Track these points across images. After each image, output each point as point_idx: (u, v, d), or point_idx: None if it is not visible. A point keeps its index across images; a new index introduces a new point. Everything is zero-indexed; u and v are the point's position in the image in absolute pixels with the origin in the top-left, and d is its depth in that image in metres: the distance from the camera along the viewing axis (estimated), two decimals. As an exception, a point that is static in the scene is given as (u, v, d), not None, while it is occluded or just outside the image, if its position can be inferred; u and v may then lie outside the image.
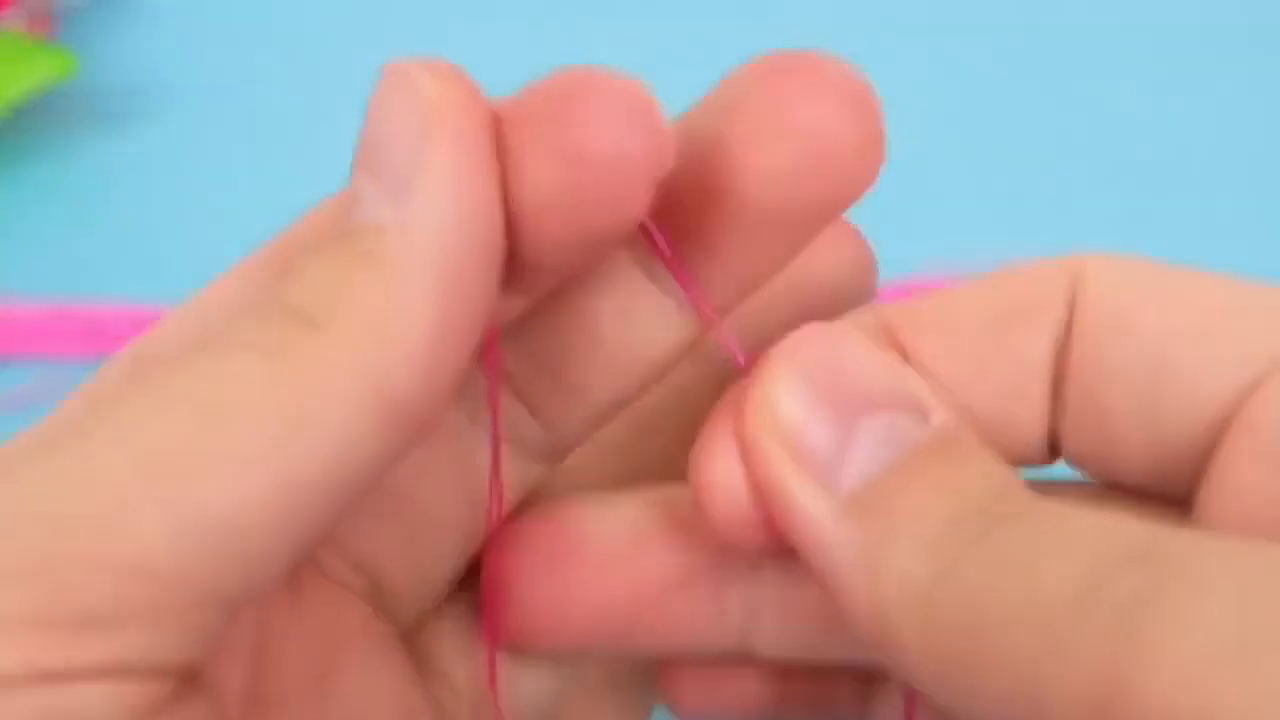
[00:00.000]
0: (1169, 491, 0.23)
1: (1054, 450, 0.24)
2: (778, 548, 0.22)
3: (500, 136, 0.21)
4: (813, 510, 0.21)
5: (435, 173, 0.21)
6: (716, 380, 0.24)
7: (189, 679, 0.20)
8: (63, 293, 0.46)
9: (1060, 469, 0.25)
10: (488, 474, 0.24)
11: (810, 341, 0.22)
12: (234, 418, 0.19)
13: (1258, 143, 0.50)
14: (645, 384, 0.24)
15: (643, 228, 0.23)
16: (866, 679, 0.26)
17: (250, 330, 0.20)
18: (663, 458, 0.26)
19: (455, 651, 0.26)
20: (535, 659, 0.26)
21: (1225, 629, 0.17)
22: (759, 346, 0.23)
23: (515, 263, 0.21)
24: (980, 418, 0.24)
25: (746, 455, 0.22)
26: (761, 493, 0.22)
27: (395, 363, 0.20)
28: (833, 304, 0.26)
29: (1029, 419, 0.24)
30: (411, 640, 0.26)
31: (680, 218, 0.23)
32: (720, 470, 0.22)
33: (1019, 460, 0.24)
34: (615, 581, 0.24)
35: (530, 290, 0.23)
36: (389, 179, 0.21)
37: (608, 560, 0.24)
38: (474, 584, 0.26)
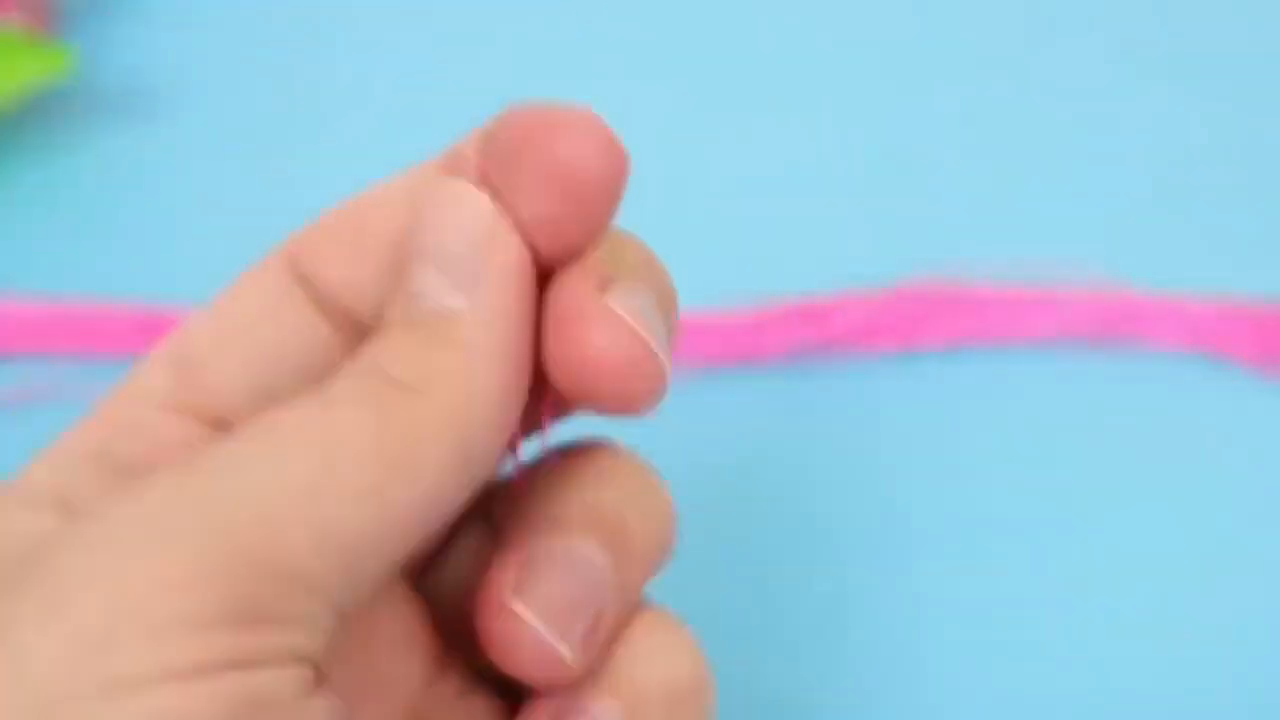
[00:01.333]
0: None
1: None
2: None
3: (489, 176, 0.27)
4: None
5: (496, 271, 0.26)
6: None
7: (321, 672, 0.24)
8: (62, 291, 0.46)
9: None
10: None
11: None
12: (349, 460, 0.24)
13: (1258, 144, 0.50)
14: None
15: None
16: None
17: (358, 391, 0.25)
18: None
19: None
20: None
21: None
22: None
23: None
24: None
25: None
26: None
27: (475, 422, 0.25)
28: None
29: None
30: None
31: None
32: None
33: None
34: None
35: None
36: (458, 274, 0.26)
37: None
38: None
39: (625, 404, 0.26)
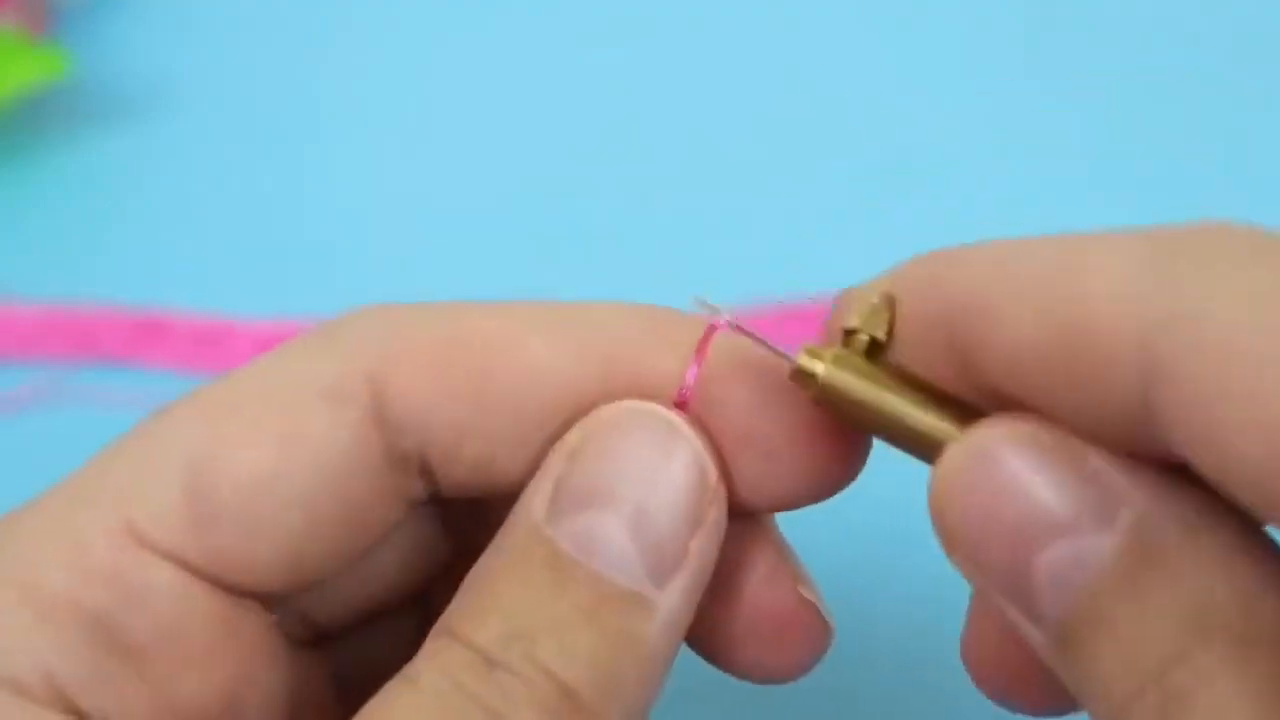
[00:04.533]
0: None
1: None
2: None
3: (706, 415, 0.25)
4: (1033, 639, 0.22)
5: (701, 556, 0.24)
6: None
7: None
8: (57, 294, 0.46)
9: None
10: None
11: (973, 469, 0.23)
12: None
13: (1258, 145, 0.50)
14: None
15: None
16: None
17: (522, 695, 0.22)
18: None
19: None
20: None
21: None
22: None
23: None
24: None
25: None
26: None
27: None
28: None
29: None
30: None
31: None
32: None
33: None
34: None
35: None
36: (658, 556, 0.23)
37: None
38: None
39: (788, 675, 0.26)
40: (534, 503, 0.24)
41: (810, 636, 0.26)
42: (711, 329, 0.26)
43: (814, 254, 0.46)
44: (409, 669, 0.24)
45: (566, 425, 0.25)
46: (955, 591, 0.26)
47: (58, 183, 0.49)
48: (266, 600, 0.26)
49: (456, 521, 0.28)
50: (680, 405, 0.25)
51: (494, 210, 0.48)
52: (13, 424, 0.43)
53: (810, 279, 0.45)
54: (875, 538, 0.40)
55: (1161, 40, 0.53)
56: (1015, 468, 0.22)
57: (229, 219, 0.48)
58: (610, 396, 0.25)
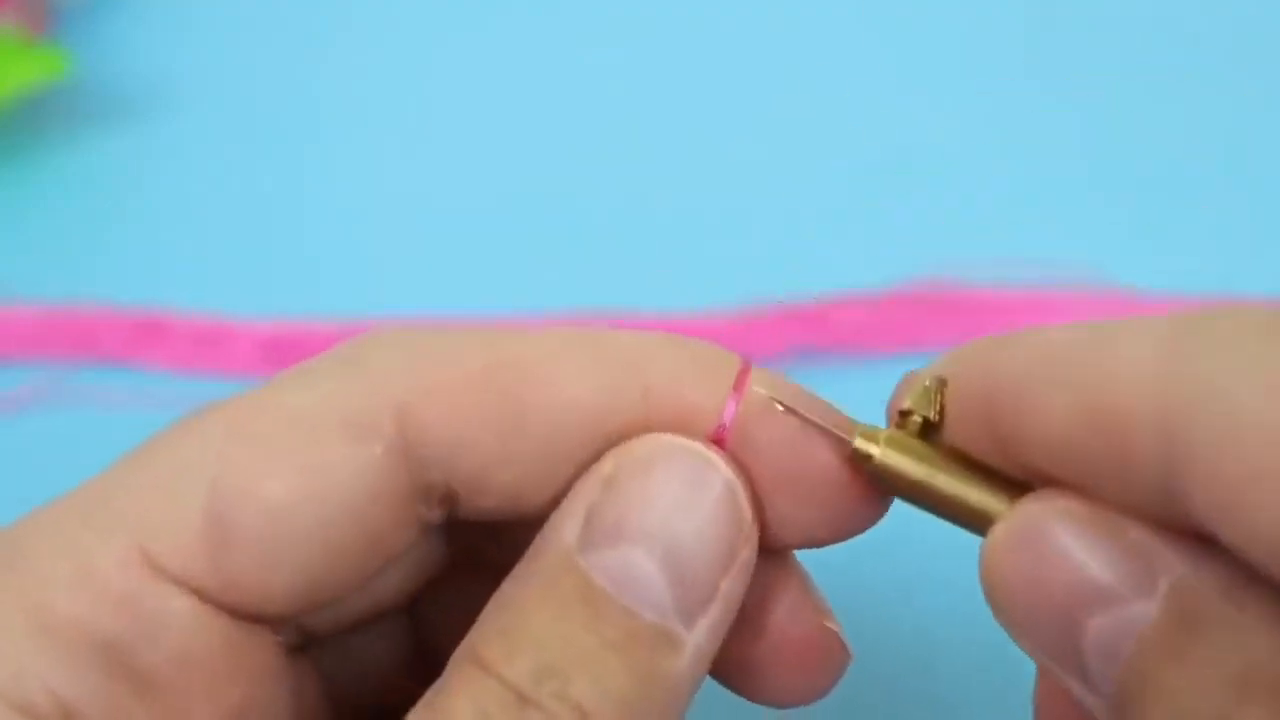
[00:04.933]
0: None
1: None
2: None
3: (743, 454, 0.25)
4: (1091, 705, 0.23)
5: (724, 603, 0.24)
6: None
7: None
8: (60, 294, 0.46)
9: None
10: None
11: (1021, 544, 0.24)
12: None
13: (1258, 145, 0.50)
14: None
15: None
16: None
17: None
18: None
19: None
20: None
21: None
22: None
23: None
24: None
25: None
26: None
27: None
28: None
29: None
30: None
31: None
32: None
33: None
34: None
35: None
36: (689, 593, 0.23)
37: None
38: None
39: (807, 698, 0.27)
40: (565, 528, 0.24)
41: (833, 664, 0.27)
42: (748, 366, 0.26)
43: (814, 254, 0.46)
44: (439, 700, 0.24)
45: (599, 457, 0.25)
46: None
47: (58, 183, 0.49)
48: (275, 623, 0.26)
49: (457, 530, 0.28)
50: (717, 441, 0.25)
51: (494, 210, 0.48)
52: (13, 424, 0.43)
53: (810, 279, 0.45)
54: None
55: (1161, 40, 0.53)
56: (1060, 539, 0.23)
57: (229, 219, 0.48)
58: (646, 430, 0.25)
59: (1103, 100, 0.51)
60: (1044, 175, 0.49)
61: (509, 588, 0.24)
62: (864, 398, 0.28)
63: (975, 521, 0.25)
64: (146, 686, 0.24)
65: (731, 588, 0.24)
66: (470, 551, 0.28)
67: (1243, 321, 0.21)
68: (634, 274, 0.46)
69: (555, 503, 0.25)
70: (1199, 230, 0.47)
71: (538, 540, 0.25)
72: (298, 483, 0.24)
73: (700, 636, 0.24)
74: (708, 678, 0.26)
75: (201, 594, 0.24)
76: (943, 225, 0.47)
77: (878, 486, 0.26)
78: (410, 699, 0.27)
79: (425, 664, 0.29)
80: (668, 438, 0.25)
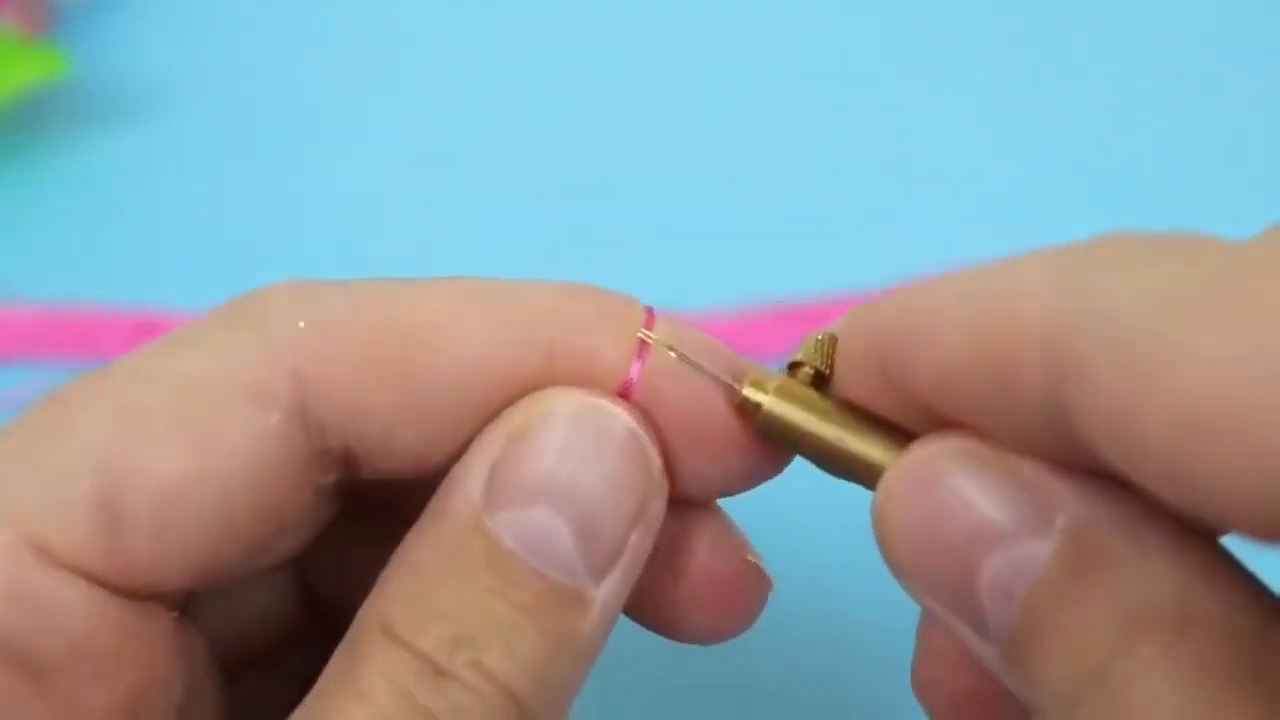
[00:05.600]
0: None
1: None
2: None
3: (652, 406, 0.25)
4: (983, 655, 0.22)
5: (639, 549, 0.24)
6: None
7: None
8: (60, 294, 0.46)
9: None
10: None
11: (913, 486, 0.23)
12: None
13: (1257, 145, 0.50)
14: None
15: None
16: None
17: (471, 706, 0.22)
18: None
19: None
20: None
21: None
22: None
23: None
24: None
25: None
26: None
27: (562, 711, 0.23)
28: None
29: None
30: None
31: None
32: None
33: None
34: None
35: None
36: (598, 551, 0.23)
37: None
38: None
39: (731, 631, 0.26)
40: (469, 486, 0.23)
41: (756, 596, 0.26)
42: (651, 316, 0.25)
43: (814, 254, 0.46)
44: (353, 672, 0.23)
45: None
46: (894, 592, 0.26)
47: (58, 183, 0.49)
48: (170, 599, 0.25)
49: (350, 487, 0.27)
50: (623, 394, 0.25)
51: (493, 210, 0.48)
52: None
53: (810, 279, 0.45)
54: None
55: (1159, 43, 0.53)
56: (953, 479, 0.22)
57: (229, 219, 0.48)
58: (551, 383, 0.24)
59: (1102, 101, 0.51)
60: (1043, 176, 0.49)
61: (414, 549, 0.24)
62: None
63: (869, 473, 0.24)
64: (41, 675, 0.23)
65: (640, 540, 0.24)
66: (361, 500, 0.27)
67: (1129, 242, 0.21)
68: (634, 273, 0.45)
69: (458, 459, 0.24)
70: (1197, 230, 0.47)
71: (439, 496, 0.24)
72: (192, 459, 0.23)
73: (608, 592, 0.23)
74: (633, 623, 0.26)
75: (94, 579, 0.24)
76: (943, 225, 0.47)
77: (770, 437, 0.25)
78: (295, 650, 0.27)
79: (311, 611, 0.29)
80: (569, 391, 0.24)
